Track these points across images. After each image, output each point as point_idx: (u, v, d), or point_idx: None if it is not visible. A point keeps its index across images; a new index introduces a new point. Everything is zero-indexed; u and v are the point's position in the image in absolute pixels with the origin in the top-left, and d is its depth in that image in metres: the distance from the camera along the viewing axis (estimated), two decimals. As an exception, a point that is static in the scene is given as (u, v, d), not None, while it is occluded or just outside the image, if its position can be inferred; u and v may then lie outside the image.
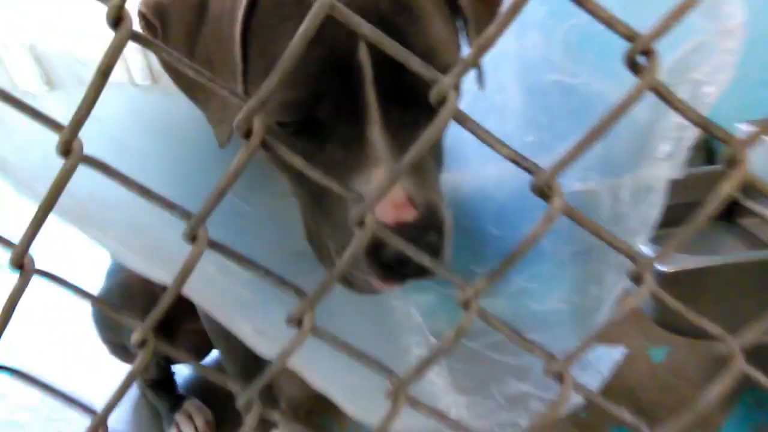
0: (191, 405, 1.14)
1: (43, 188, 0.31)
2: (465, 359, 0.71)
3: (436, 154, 0.60)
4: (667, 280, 1.09)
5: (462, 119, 0.31)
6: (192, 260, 0.34)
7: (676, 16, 0.27)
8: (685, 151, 0.64)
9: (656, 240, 1.16)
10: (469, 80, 0.62)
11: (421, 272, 0.51)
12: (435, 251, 0.51)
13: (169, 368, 1.19)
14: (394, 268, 0.50)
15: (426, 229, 0.50)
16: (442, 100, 0.29)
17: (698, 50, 0.64)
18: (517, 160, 0.32)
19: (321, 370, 0.50)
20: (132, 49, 0.57)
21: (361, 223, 0.33)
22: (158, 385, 1.17)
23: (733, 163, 0.30)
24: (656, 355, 1.17)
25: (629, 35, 0.28)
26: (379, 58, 0.50)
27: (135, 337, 0.36)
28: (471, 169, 0.80)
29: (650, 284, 0.34)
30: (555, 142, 0.70)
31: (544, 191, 0.32)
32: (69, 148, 0.31)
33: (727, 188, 0.30)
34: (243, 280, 0.50)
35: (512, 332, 0.37)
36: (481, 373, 0.72)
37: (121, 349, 1.10)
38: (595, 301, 0.70)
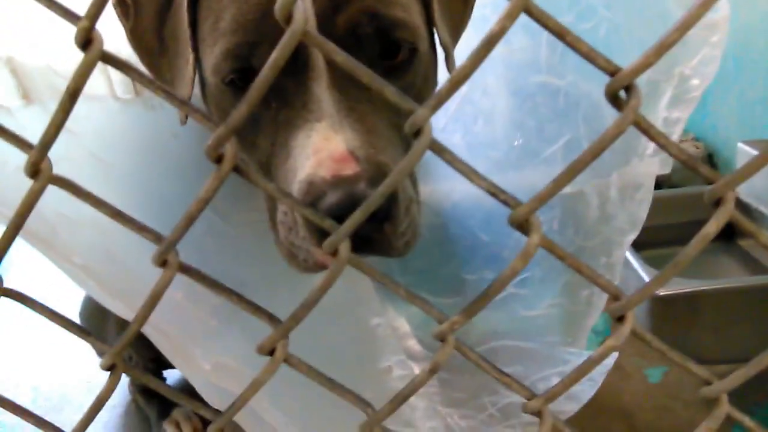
0: (180, 413, 1.12)
1: (9, 211, 0.30)
2: (455, 370, 0.68)
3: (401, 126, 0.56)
4: (662, 303, 1.07)
5: (439, 150, 0.30)
6: (161, 286, 0.33)
7: (657, 53, 0.26)
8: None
9: (650, 261, 1.15)
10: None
11: (368, 241, 0.46)
12: (383, 216, 0.45)
13: (161, 373, 1.17)
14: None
15: (371, 186, 0.43)
16: (418, 132, 0.28)
17: (683, 44, 0.63)
18: (495, 193, 0.31)
19: (286, 408, 0.48)
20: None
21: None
22: (149, 390, 1.15)
23: (718, 202, 0.29)
24: (653, 376, 1.15)
25: (610, 70, 0.27)
26: (327, 5, 0.47)
27: (103, 363, 0.35)
28: (458, 178, 0.78)
29: (632, 323, 0.33)
30: (543, 144, 0.68)
31: (522, 225, 0.31)
32: (37, 169, 0.31)
33: (711, 229, 0.29)
34: (211, 307, 0.48)
35: (491, 367, 0.36)
36: (473, 384, 0.70)
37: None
38: (585, 305, 0.68)
